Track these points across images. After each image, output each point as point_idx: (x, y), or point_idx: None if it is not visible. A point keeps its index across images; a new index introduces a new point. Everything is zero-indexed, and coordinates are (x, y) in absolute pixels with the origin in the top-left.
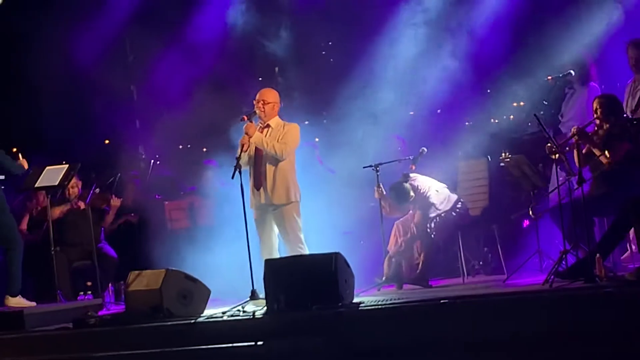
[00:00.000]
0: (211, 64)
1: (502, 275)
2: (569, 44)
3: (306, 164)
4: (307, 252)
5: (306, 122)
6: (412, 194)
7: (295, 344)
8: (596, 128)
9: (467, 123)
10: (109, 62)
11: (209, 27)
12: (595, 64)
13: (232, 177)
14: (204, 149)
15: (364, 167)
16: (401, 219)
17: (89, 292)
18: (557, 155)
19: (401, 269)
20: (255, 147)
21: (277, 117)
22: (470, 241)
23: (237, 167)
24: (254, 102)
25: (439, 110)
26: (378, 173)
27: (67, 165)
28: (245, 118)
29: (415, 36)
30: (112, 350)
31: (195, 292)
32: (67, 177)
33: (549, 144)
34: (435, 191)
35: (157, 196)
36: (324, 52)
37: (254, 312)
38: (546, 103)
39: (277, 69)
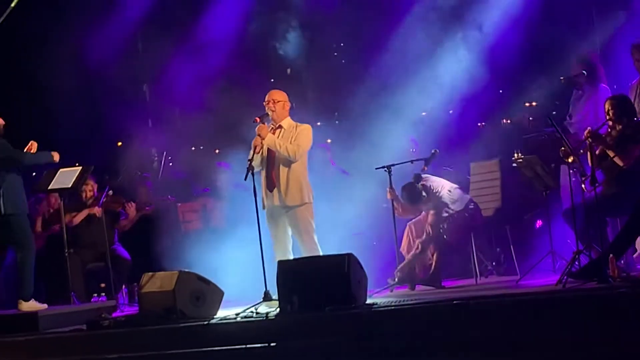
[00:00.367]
0: (223, 65)
1: (514, 276)
2: (581, 44)
3: (319, 165)
4: (320, 253)
5: (318, 124)
6: (424, 194)
7: (309, 345)
8: (609, 129)
9: (479, 124)
10: (122, 64)
11: (222, 29)
12: (602, 64)
13: (245, 179)
14: (217, 151)
15: (376, 168)
16: (413, 220)
17: (103, 294)
18: (571, 159)
19: (414, 270)
20: (268, 149)
21: (289, 118)
22: (483, 242)
23: (250, 168)
24: (264, 104)
25: (451, 111)
26: (390, 174)
27: (80, 168)
28: (258, 120)
29: (427, 37)
30: (126, 352)
31: (208, 294)
32: (80, 179)
33: (563, 148)
34: (448, 192)
35: (170, 198)
36: (335, 54)
37: (267, 314)
38: (557, 103)
39: (289, 70)
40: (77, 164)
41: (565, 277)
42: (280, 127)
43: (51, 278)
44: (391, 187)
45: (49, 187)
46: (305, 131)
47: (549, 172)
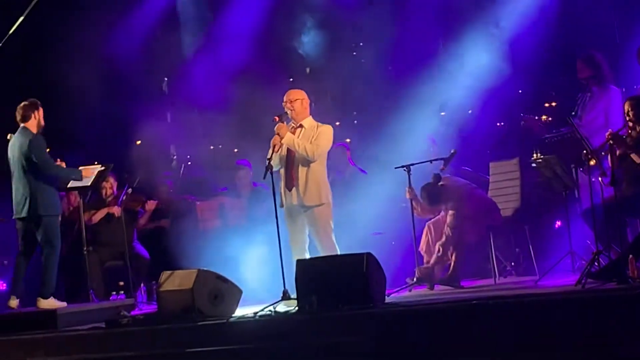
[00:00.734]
0: (243, 64)
1: (533, 276)
2: (602, 45)
3: (338, 164)
4: (338, 252)
5: (337, 123)
6: (443, 194)
7: (327, 344)
8: (629, 130)
9: (498, 124)
10: (141, 62)
11: (242, 27)
12: (608, 66)
13: (264, 178)
14: (235, 150)
15: (395, 168)
16: (432, 220)
17: (122, 292)
18: (593, 162)
19: (432, 270)
20: (287, 148)
21: (311, 117)
22: (502, 242)
23: (269, 167)
24: (283, 104)
25: (470, 111)
26: (410, 173)
27: (99, 166)
28: (277, 119)
29: (447, 36)
30: (144, 350)
31: (226, 293)
32: (100, 178)
33: (585, 151)
34: (467, 191)
35: (189, 197)
36: (354, 53)
37: (285, 313)
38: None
39: (308, 69)
40: (96, 162)
41: (584, 278)
42: (301, 126)
43: (70, 276)
44: (410, 187)
45: (69, 186)
46: (326, 131)
47: (568, 172)
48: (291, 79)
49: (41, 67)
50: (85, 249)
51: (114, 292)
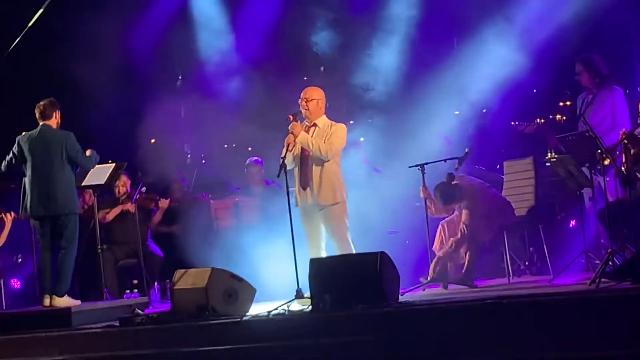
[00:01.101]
0: (257, 63)
1: (548, 276)
2: (616, 45)
3: (352, 163)
4: (354, 251)
5: (351, 122)
6: (457, 194)
7: (341, 343)
8: None
9: (512, 123)
10: (156, 61)
11: (255, 27)
12: (606, 66)
13: (278, 176)
14: (249, 149)
15: (409, 167)
16: (446, 219)
17: (135, 291)
18: (607, 161)
19: (446, 269)
20: (302, 148)
21: (325, 116)
22: (516, 241)
23: (283, 166)
24: (299, 101)
25: (484, 110)
26: (424, 173)
27: (113, 164)
28: (291, 117)
29: (460, 35)
30: (158, 348)
31: (240, 291)
32: (114, 176)
33: (599, 151)
34: (481, 190)
35: (203, 195)
36: (368, 52)
37: (299, 312)
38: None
39: (322, 68)
40: (110, 161)
41: (598, 277)
42: (315, 125)
43: (84, 274)
44: (424, 186)
45: (83, 184)
46: (340, 130)
47: (582, 171)
48: (305, 78)
49: (55, 65)
50: (99, 247)
51: (128, 291)
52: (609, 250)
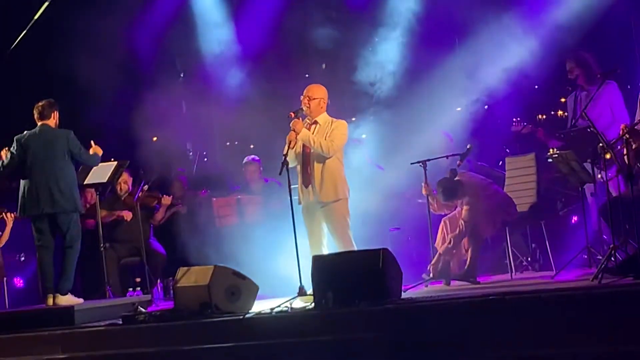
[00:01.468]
0: (259, 61)
1: (550, 272)
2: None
3: (354, 160)
4: (355, 248)
5: (353, 119)
6: (460, 190)
7: (343, 340)
8: None
9: (514, 119)
10: (158, 59)
11: (256, 24)
12: (596, 62)
13: (280, 174)
14: (251, 146)
15: (411, 163)
16: (448, 215)
17: (138, 289)
18: (608, 155)
19: (449, 266)
20: (303, 145)
21: (325, 113)
22: (518, 237)
23: (284, 163)
24: (301, 98)
25: (486, 106)
26: (426, 169)
27: (115, 162)
28: (292, 115)
29: (463, 32)
30: (161, 346)
31: (243, 289)
32: (115, 174)
33: (600, 144)
34: (483, 186)
35: (203, 192)
36: (370, 49)
37: (302, 309)
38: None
39: (324, 65)
40: (112, 159)
41: (601, 273)
42: (316, 122)
43: (87, 272)
44: (426, 183)
45: (85, 182)
46: (340, 127)
47: (584, 167)
48: (307, 75)
49: (55, 63)
50: (102, 245)
51: (131, 289)
52: (611, 246)
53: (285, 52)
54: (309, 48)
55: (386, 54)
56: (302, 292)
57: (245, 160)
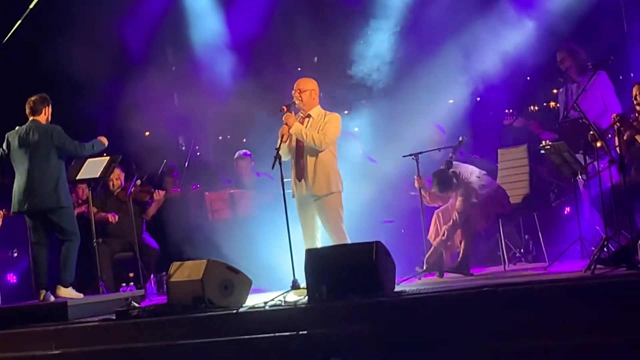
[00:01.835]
0: (250, 54)
1: (543, 263)
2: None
3: (347, 153)
4: (348, 241)
5: (345, 112)
6: (454, 181)
7: (337, 333)
8: (636, 115)
9: (506, 111)
10: (150, 55)
11: (248, 18)
12: (586, 53)
13: (272, 168)
14: (244, 140)
15: (403, 156)
16: (441, 208)
17: (131, 284)
18: (599, 144)
19: (442, 258)
20: (297, 139)
21: (319, 106)
22: (511, 229)
23: (277, 157)
24: (292, 93)
25: (478, 99)
26: (418, 162)
27: (108, 157)
28: (285, 109)
29: (454, 23)
30: (155, 340)
31: (236, 283)
32: (108, 169)
33: (591, 132)
34: (477, 178)
35: (194, 187)
36: (362, 42)
37: (295, 302)
38: (584, 90)
39: (316, 58)
40: (104, 154)
41: (594, 264)
42: (309, 116)
43: (80, 268)
44: (419, 176)
45: (77, 177)
46: (333, 120)
47: (577, 158)
48: (299, 69)
49: (45, 56)
50: (94, 241)
51: (124, 284)
52: (604, 237)
53: (277, 45)
54: (301, 41)
55: (379, 46)
56: (295, 286)
57: (236, 155)
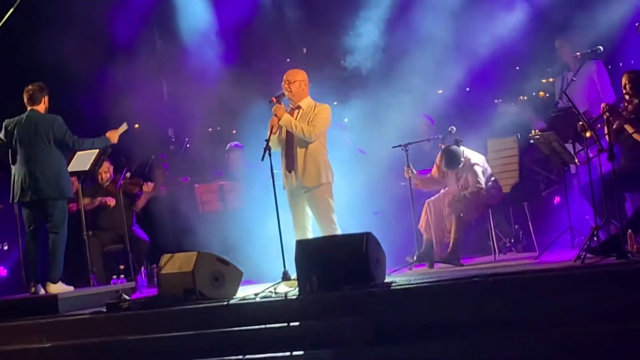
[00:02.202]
0: (240, 46)
1: (533, 253)
2: (594, 21)
3: (337, 144)
4: (339, 232)
5: (335, 103)
6: (462, 159)
7: (328, 325)
8: (625, 104)
9: (496, 101)
10: (138, 46)
11: (237, 8)
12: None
13: (262, 159)
14: (234, 132)
15: (393, 147)
16: (432, 198)
17: (122, 276)
18: (589, 134)
19: (432, 248)
20: (287, 130)
21: (309, 98)
22: (501, 219)
23: (267, 149)
24: (282, 84)
25: (467, 89)
26: (407, 153)
27: (97, 150)
28: (274, 100)
29: (442, 13)
30: (146, 333)
31: (227, 274)
32: (97, 162)
33: (580, 122)
34: (482, 162)
35: (184, 179)
36: (351, 33)
37: (286, 294)
38: (574, 79)
39: (305, 50)
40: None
41: (584, 253)
42: (299, 107)
43: (70, 260)
44: (409, 166)
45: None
46: (323, 111)
47: (566, 148)
48: (288, 60)
49: (32, 48)
50: (85, 233)
51: (115, 276)
52: (594, 226)
53: (267, 35)
54: (290, 32)
55: (367, 37)
56: (286, 277)
57: (228, 146)
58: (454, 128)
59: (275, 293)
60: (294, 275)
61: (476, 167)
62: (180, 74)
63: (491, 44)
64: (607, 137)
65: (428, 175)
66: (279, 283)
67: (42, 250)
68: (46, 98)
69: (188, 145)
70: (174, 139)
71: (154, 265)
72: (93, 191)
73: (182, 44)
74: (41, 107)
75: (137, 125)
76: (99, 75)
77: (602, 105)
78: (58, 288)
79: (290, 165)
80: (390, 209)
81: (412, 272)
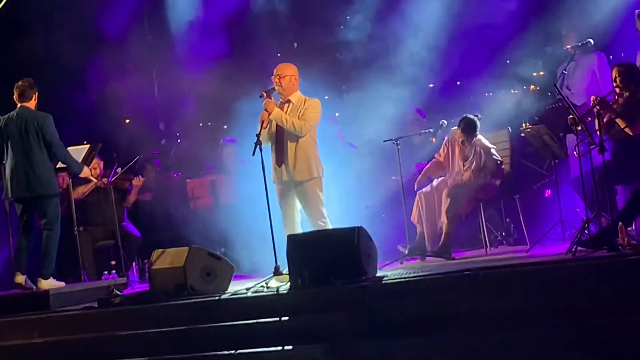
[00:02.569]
0: (230, 40)
1: (524, 246)
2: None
3: (327, 139)
4: (330, 226)
5: (326, 97)
6: (477, 130)
7: (319, 319)
8: (616, 97)
9: (487, 94)
10: (129, 41)
11: (228, 3)
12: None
13: (253, 154)
14: (225, 126)
15: (384, 141)
16: (424, 190)
17: (113, 272)
18: (579, 127)
19: (424, 242)
20: (277, 124)
21: (299, 92)
22: (492, 212)
23: (258, 143)
24: (272, 78)
25: (458, 82)
26: (398, 147)
27: (88, 146)
28: (265, 94)
29: (434, 7)
30: (137, 328)
31: (219, 269)
32: (87, 158)
33: (571, 116)
34: (493, 152)
35: (175, 174)
36: (342, 27)
37: (277, 288)
38: (566, 72)
39: (296, 44)
40: (85, 142)
41: (575, 246)
42: (289, 101)
43: (62, 256)
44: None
45: (57, 166)
46: (314, 105)
47: (557, 141)
48: (279, 54)
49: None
50: (76, 229)
51: (106, 272)
52: (585, 219)
53: (257, 32)
54: (282, 27)
55: (358, 31)
56: (277, 272)
57: (221, 142)
58: (445, 122)
59: (267, 288)
60: (285, 270)
61: (490, 148)
62: (171, 68)
63: (482, 36)
64: (597, 130)
65: (433, 160)
66: (270, 278)
67: (34, 246)
68: (36, 94)
69: (179, 141)
70: (164, 141)
71: (146, 261)
72: (83, 184)
73: (172, 38)
74: (32, 104)
75: (127, 121)
76: (89, 68)
77: (592, 98)
78: (49, 284)
79: (280, 159)
80: (381, 203)
81: (403, 266)
